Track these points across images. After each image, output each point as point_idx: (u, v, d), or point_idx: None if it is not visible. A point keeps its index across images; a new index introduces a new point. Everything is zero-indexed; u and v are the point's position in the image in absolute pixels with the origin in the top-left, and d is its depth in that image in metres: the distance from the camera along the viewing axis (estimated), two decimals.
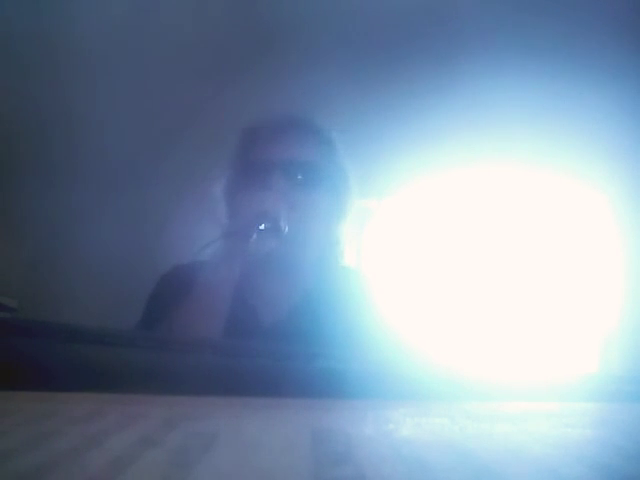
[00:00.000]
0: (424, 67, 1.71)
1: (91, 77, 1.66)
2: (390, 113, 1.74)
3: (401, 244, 1.93)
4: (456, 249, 1.91)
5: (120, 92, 1.70)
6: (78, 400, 0.39)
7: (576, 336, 1.87)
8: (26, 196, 1.74)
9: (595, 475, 0.26)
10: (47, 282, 1.71)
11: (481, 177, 1.88)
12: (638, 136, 1.68)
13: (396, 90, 1.73)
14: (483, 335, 1.79)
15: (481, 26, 1.67)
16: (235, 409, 0.40)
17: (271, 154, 1.00)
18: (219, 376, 0.46)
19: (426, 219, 1.96)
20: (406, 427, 0.35)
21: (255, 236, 0.92)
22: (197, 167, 1.09)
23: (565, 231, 1.91)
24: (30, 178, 1.76)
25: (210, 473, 0.24)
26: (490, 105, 1.72)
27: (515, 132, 1.74)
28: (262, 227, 0.92)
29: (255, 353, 0.52)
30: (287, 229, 0.94)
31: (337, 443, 0.30)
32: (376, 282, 1.11)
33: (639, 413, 0.44)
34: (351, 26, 1.69)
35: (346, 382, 0.45)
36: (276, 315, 1.01)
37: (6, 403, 0.37)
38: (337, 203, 1.04)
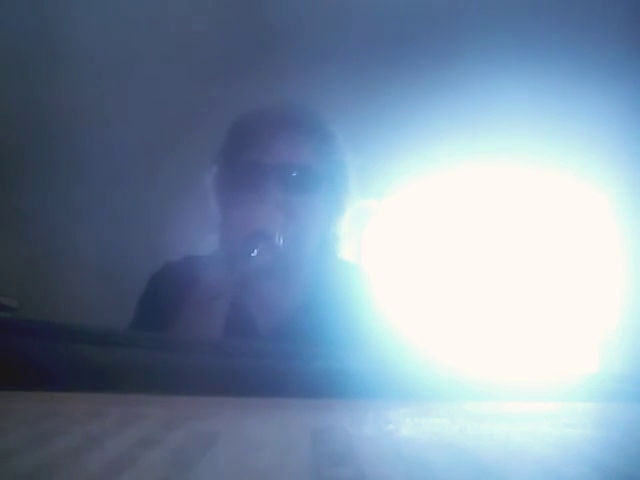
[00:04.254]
0: (424, 67, 1.71)
1: (90, 78, 1.66)
2: (390, 113, 1.74)
3: (402, 244, 1.93)
4: (456, 249, 1.91)
5: (119, 92, 1.70)
6: (78, 400, 0.39)
7: (576, 336, 1.87)
8: (26, 196, 1.74)
9: (595, 475, 0.26)
10: (47, 282, 1.71)
11: (481, 177, 1.88)
12: (638, 136, 1.68)
13: (396, 90, 1.73)
14: (483, 335, 1.79)
15: (481, 26, 1.67)
16: (235, 409, 0.39)
17: (266, 157, 0.96)
18: (219, 376, 0.46)
19: (427, 219, 1.96)
20: (406, 427, 0.35)
21: (250, 256, 0.90)
22: (197, 167, 1.08)
23: (565, 231, 1.91)
24: (30, 178, 1.77)
25: (210, 473, 0.24)
26: (490, 105, 1.72)
27: (515, 132, 1.74)
28: (256, 252, 0.90)
29: (255, 353, 0.52)
30: (283, 240, 0.92)
31: (337, 443, 0.30)
32: (377, 280, 1.09)
33: (639, 413, 0.44)
34: (351, 24, 1.69)
35: (346, 382, 0.45)
36: (275, 322, 0.99)
37: (6, 403, 0.37)
38: (335, 203, 1.02)
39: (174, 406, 0.38)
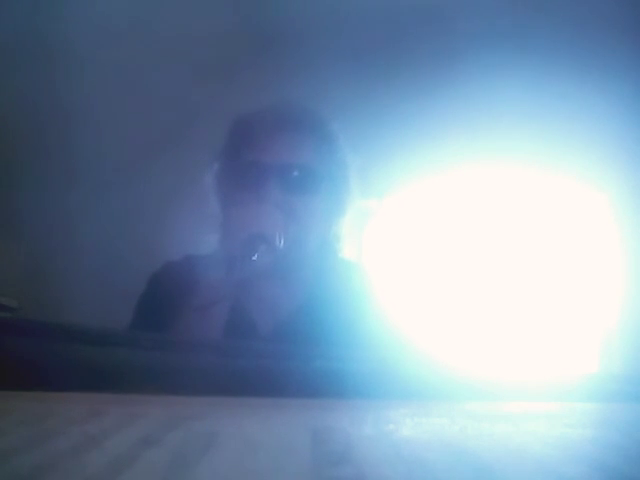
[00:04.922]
0: (425, 66, 1.71)
1: (88, 77, 1.66)
2: (391, 113, 1.74)
3: (402, 244, 1.93)
4: (456, 249, 1.91)
5: (118, 92, 1.70)
6: (78, 400, 0.39)
7: (576, 336, 1.87)
8: (26, 196, 1.74)
9: (595, 475, 0.26)
10: (47, 282, 1.71)
11: (481, 176, 1.88)
12: (638, 136, 1.68)
13: (397, 89, 1.73)
14: (483, 335, 1.79)
15: (481, 26, 1.67)
16: (235, 409, 0.39)
17: (266, 157, 0.96)
18: (219, 376, 0.46)
19: (427, 219, 1.96)
20: (406, 427, 0.35)
21: (250, 259, 0.90)
22: (197, 167, 1.08)
23: (565, 231, 1.91)
24: (29, 178, 1.76)
25: (210, 473, 0.24)
26: (490, 104, 1.72)
27: (515, 132, 1.73)
28: (256, 255, 0.90)
29: (255, 354, 0.51)
30: (283, 241, 0.92)
31: (337, 443, 0.30)
32: (378, 280, 1.09)
33: (639, 413, 0.44)
34: (351, 24, 1.69)
35: (346, 382, 0.45)
36: (275, 323, 0.98)
37: (6, 403, 0.37)
38: (336, 203, 1.01)
39: (174, 406, 0.38)
